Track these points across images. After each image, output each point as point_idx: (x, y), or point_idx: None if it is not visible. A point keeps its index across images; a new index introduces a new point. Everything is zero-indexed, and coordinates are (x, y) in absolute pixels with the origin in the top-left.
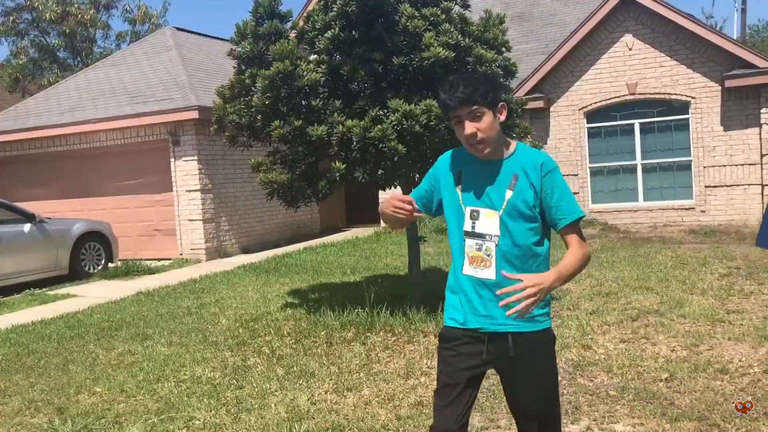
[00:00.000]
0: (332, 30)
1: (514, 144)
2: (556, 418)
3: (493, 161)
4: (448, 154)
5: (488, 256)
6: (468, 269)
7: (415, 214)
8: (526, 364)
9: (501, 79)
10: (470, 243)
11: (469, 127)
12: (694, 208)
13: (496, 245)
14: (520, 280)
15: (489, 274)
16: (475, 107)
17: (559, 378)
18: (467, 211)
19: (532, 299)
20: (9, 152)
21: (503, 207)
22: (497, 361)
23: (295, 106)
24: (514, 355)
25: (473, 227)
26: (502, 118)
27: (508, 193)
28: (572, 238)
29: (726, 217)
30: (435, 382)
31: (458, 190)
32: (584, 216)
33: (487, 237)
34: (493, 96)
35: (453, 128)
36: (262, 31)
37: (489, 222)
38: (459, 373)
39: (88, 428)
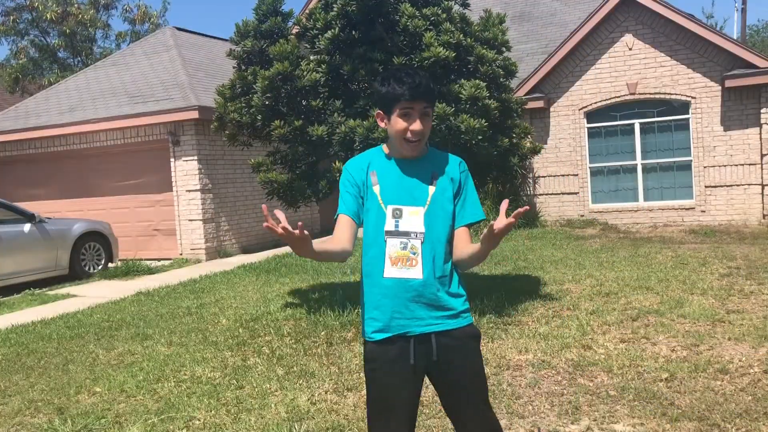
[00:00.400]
0: (333, 30)
1: (427, 146)
2: (489, 411)
3: (410, 159)
4: (352, 160)
5: (414, 254)
6: (391, 271)
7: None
8: (453, 362)
9: (501, 79)
10: (393, 243)
11: (419, 124)
12: (694, 208)
13: (422, 242)
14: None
15: (416, 273)
16: (428, 105)
17: (558, 378)
18: (389, 210)
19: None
20: (9, 152)
21: (427, 203)
22: (426, 364)
23: (295, 106)
24: (439, 356)
25: (396, 226)
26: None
27: (431, 189)
28: (468, 236)
29: (726, 217)
30: (369, 407)
31: (376, 190)
32: (484, 219)
33: (413, 235)
34: (435, 99)
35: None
36: (265, 28)
37: (413, 219)
38: (398, 391)
39: (88, 428)
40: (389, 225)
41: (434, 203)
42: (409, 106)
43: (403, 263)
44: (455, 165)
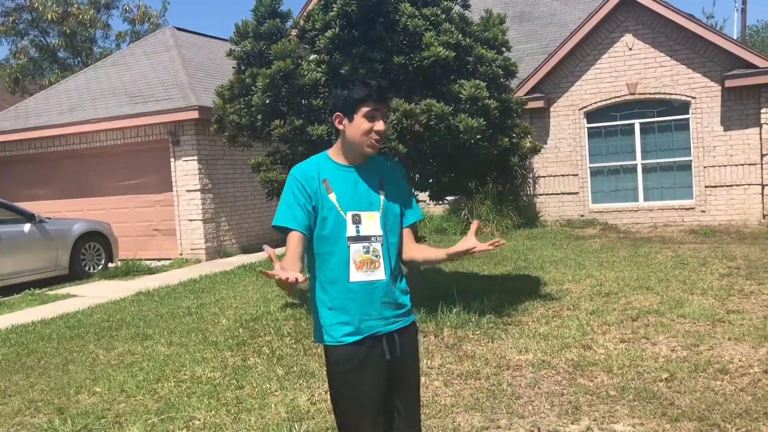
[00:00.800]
0: (332, 29)
1: None
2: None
3: (357, 165)
4: (300, 167)
5: (376, 257)
6: (357, 275)
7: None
8: (408, 357)
9: (501, 79)
10: (356, 248)
11: (382, 124)
12: (694, 208)
13: (382, 245)
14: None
15: (380, 274)
16: (388, 109)
17: (558, 378)
18: (348, 216)
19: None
20: (9, 152)
21: (381, 207)
22: (390, 362)
23: (295, 106)
24: (403, 352)
25: (358, 231)
26: None
27: (381, 194)
28: (412, 235)
29: (726, 217)
30: (345, 411)
31: (332, 197)
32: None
33: (373, 238)
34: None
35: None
36: (264, 30)
37: (371, 223)
38: (371, 392)
39: (88, 428)
40: (351, 231)
41: (386, 207)
42: (375, 107)
43: (367, 266)
44: (396, 169)
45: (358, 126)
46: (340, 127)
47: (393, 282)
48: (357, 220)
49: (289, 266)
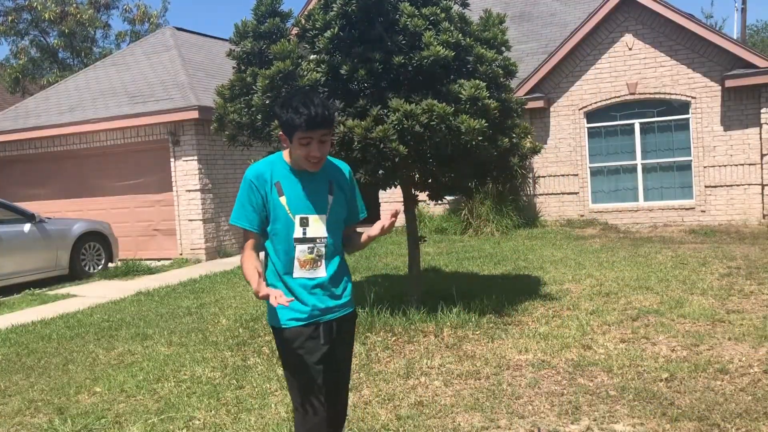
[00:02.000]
0: (332, 29)
1: None
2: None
3: (305, 171)
4: (255, 170)
5: (319, 257)
6: (300, 272)
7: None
8: (345, 341)
9: (501, 79)
10: (301, 248)
11: (317, 150)
12: (694, 208)
13: (325, 246)
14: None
15: (321, 273)
16: (326, 132)
17: (558, 378)
18: (297, 219)
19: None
20: (9, 152)
21: (328, 211)
22: (329, 346)
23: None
24: (337, 336)
25: (304, 233)
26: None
27: (330, 198)
28: (351, 229)
29: (726, 217)
30: (299, 382)
31: (283, 200)
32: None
33: (318, 240)
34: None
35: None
36: (264, 29)
37: (317, 226)
38: (315, 366)
39: (88, 428)
40: (298, 232)
41: (333, 211)
42: (307, 135)
43: (310, 266)
44: (345, 174)
45: (294, 150)
46: (285, 144)
47: (335, 278)
48: (305, 223)
49: (255, 273)
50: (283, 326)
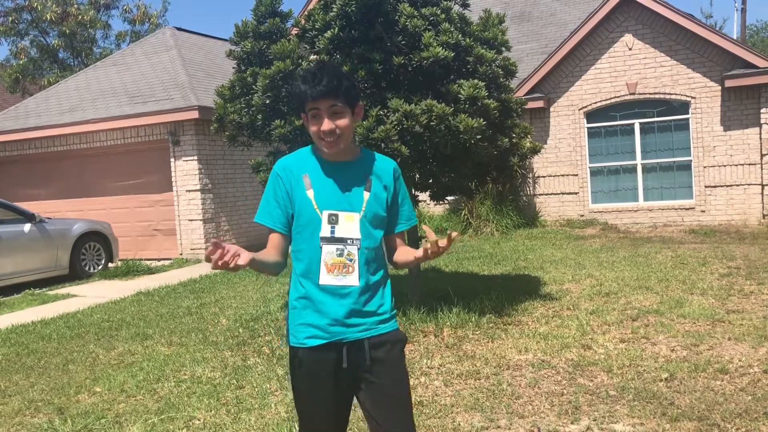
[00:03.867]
0: (332, 30)
1: (359, 149)
2: (411, 422)
3: (343, 162)
4: (282, 161)
5: (351, 261)
6: (326, 278)
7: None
8: (387, 365)
9: (501, 79)
10: (329, 249)
11: (328, 123)
12: (694, 208)
13: (359, 249)
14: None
15: (353, 280)
16: (338, 103)
17: (558, 378)
18: (324, 215)
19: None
20: (9, 152)
21: (363, 208)
22: (356, 370)
23: (295, 106)
24: (370, 362)
25: (332, 232)
26: (358, 119)
27: (366, 195)
28: (403, 241)
29: (726, 216)
30: (297, 410)
31: (310, 195)
32: (417, 223)
33: (349, 241)
34: (354, 95)
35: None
36: (264, 29)
37: (348, 226)
38: (328, 398)
39: (88, 428)
40: (325, 231)
41: (369, 209)
42: (314, 106)
43: (339, 270)
44: (389, 171)
45: (309, 127)
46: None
47: (368, 289)
48: (333, 221)
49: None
50: (298, 345)
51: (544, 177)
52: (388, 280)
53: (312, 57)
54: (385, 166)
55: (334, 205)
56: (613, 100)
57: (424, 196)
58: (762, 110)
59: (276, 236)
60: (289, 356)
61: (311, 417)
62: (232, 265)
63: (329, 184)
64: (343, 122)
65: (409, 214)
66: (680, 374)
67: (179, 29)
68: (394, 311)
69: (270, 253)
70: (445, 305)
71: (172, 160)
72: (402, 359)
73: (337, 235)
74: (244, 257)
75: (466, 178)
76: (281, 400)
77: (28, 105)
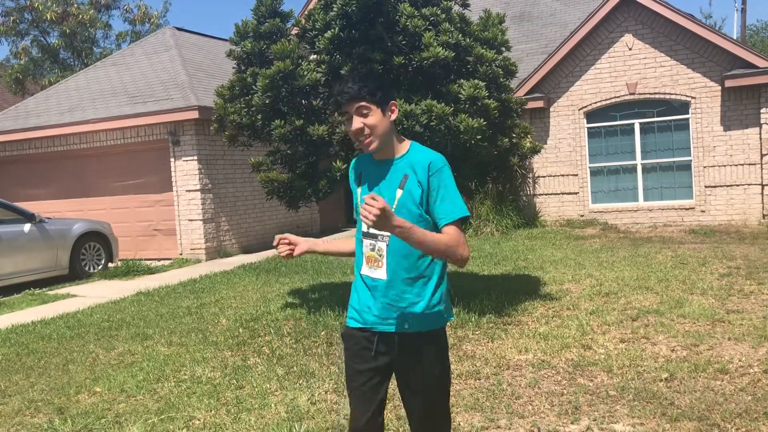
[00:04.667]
0: (332, 30)
1: (407, 144)
2: (443, 424)
3: (387, 161)
4: (353, 162)
5: (380, 256)
6: (365, 270)
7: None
8: (413, 365)
9: (501, 79)
10: (366, 243)
11: (357, 122)
12: (694, 208)
13: (387, 245)
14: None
15: (381, 274)
16: (362, 103)
17: (558, 378)
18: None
19: (372, 209)
20: (9, 152)
21: (393, 206)
22: (389, 361)
23: (295, 106)
24: (398, 356)
25: (368, 228)
26: (393, 117)
27: (398, 192)
28: (453, 233)
29: (726, 216)
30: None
31: (359, 191)
32: (467, 216)
33: (379, 237)
34: (381, 94)
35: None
36: (264, 29)
37: None
38: (359, 375)
39: (88, 428)
40: (364, 226)
41: (400, 206)
42: (343, 111)
43: (372, 264)
44: (425, 166)
45: (345, 127)
46: None
47: (401, 284)
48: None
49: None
50: (345, 324)
51: (544, 177)
52: (434, 278)
53: (312, 57)
54: (422, 160)
55: None
56: (613, 100)
57: None
58: (762, 110)
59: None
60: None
61: (351, 391)
62: (285, 255)
63: (373, 181)
64: (371, 120)
65: (451, 208)
66: (680, 374)
67: (179, 29)
68: (436, 310)
69: (346, 241)
70: None
71: (172, 160)
72: (436, 361)
73: (371, 231)
74: (300, 248)
75: (466, 178)
76: (281, 400)
77: (28, 105)
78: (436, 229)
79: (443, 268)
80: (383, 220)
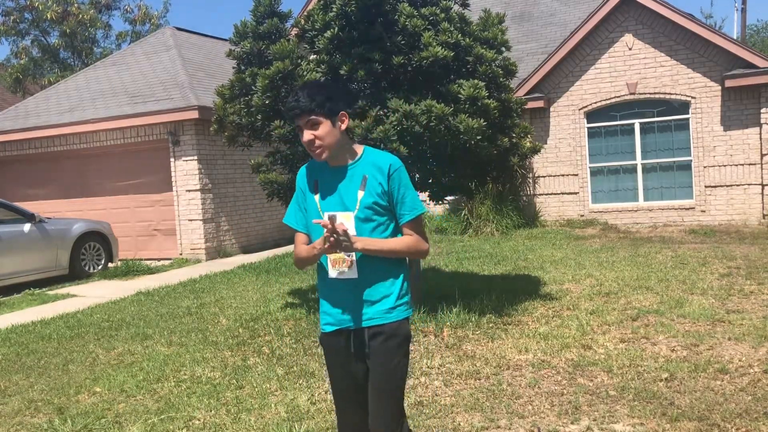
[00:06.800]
0: (332, 30)
1: (361, 149)
2: (396, 408)
3: (342, 167)
4: (303, 168)
5: (348, 256)
6: (332, 272)
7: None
8: (375, 357)
9: (501, 79)
10: None
11: (307, 135)
12: (694, 208)
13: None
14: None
15: (352, 273)
16: (312, 117)
17: (558, 378)
18: (325, 216)
19: (335, 238)
20: (9, 152)
21: (357, 207)
22: (363, 357)
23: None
24: (369, 350)
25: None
26: (343, 126)
27: (360, 194)
28: (413, 231)
29: (726, 216)
30: (332, 391)
31: (316, 198)
32: (425, 212)
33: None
34: (330, 106)
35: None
36: (263, 30)
37: (346, 224)
38: (342, 379)
39: (88, 428)
40: (326, 230)
41: (363, 207)
42: (296, 123)
43: (339, 265)
44: (384, 168)
45: (300, 138)
46: None
47: (371, 280)
48: (333, 220)
49: (310, 248)
50: (322, 331)
51: (544, 177)
52: (400, 273)
53: (312, 57)
54: (380, 163)
55: (334, 207)
56: (613, 100)
57: (423, 196)
58: (762, 110)
59: (301, 236)
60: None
61: (336, 395)
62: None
63: (331, 187)
64: (320, 132)
65: (411, 206)
66: (680, 374)
67: (179, 29)
68: (401, 303)
69: (304, 249)
70: (446, 305)
71: (172, 160)
72: (396, 352)
73: None
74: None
75: (466, 178)
76: (281, 400)
77: (28, 105)
78: (397, 222)
79: (405, 261)
80: (348, 246)
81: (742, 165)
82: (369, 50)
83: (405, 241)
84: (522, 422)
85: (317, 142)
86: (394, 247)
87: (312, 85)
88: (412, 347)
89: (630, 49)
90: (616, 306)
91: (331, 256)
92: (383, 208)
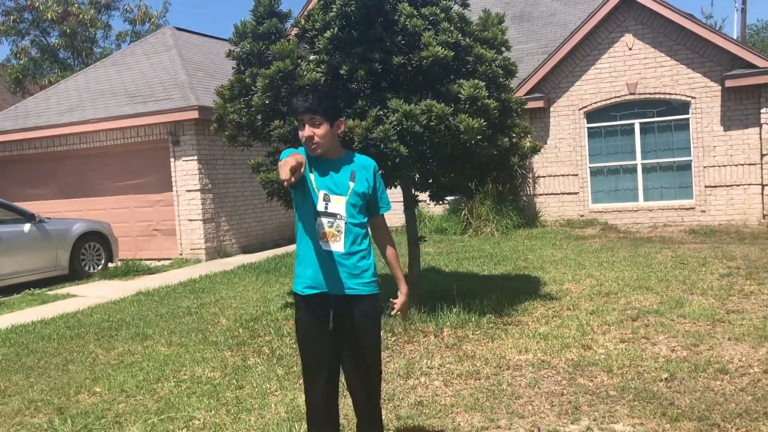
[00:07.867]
0: (332, 30)
1: (344, 150)
2: (378, 372)
3: (331, 159)
4: (301, 148)
5: (338, 232)
6: (321, 243)
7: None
8: (361, 322)
9: (501, 79)
10: (323, 221)
11: (308, 131)
12: (694, 208)
13: (345, 223)
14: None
15: (339, 247)
16: (316, 116)
17: (558, 378)
18: (320, 193)
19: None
20: (9, 152)
21: (348, 193)
22: (341, 322)
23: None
24: (352, 315)
25: (326, 208)
26: (339, 131)
27: (351, 184)
28: (383, 223)
29: (726, 216)
30: (300, 349)
31: (312, 176)
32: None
33: (338, 216)
34: (334, 112)
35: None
36: (263, 30)
37: (338, 205)
38: (316, 344)
39: (88, 428)
40: (321, 206)
41: (353, 195)
42: (299, 118)
43: (329, 238)
44: (370, 168)
45: (299, 130)
46: None
47: (351, 255)
48: (327, 199)
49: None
50: (298, 293)
51: (544, 177)
52: (371, 253)
53: (311, 57)
54: (366, 164)
55: (327, 188)
56: (613, 100)
57: (423, 196)
58: (762, 110)
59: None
60: (294, 301)
61: (308, 360)
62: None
63: (322, 172)
64: (320, 131)
65: (386, 201)
66: (680, 374)
67: (179, 29)
68: (374, 279)
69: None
70: (445, 305)
71: (172, 160)
72: (377, 325)
73: (330, 210)
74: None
75: (466, 178)
76: (281, 400)
77: (28, 105)
78: (369, 212)
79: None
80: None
81: (742, 165)
82: (369, 50)
83: (396, 262)
84: (522, 422)
85: (315, 139)
86: (394, 259)
87: (322, 90)
88: (411, 347)
89: (630, 49)
90: (616, 306)
91: (322, 230)
92: (365, 198)
